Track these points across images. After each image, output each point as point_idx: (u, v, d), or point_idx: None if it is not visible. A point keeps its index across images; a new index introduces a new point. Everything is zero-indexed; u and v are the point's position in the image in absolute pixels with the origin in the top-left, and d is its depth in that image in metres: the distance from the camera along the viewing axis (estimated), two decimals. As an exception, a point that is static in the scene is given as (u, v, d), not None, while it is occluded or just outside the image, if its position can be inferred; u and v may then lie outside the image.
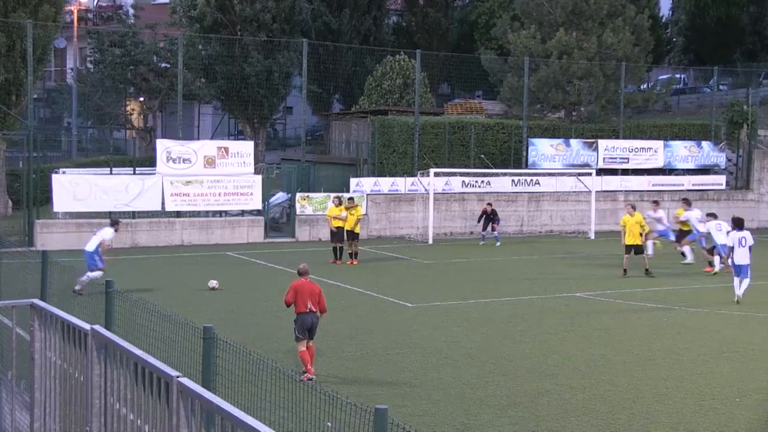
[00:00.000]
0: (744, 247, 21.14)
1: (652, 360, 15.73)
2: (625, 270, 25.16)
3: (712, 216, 26.08)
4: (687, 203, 27.56)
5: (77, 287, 18.28)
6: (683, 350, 16.56)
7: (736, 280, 21.36)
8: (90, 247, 20.43)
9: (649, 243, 27.43)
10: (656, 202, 30.45)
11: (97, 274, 19.91)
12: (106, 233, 20.87)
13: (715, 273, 25.70)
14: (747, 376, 14.89)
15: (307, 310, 13.31)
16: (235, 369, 10.14)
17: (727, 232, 22.51)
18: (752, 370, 15.26)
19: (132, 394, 6.79)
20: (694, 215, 27.34)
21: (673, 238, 28.65)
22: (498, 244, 32.41)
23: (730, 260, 21.96)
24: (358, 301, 21.04)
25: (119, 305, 11.69)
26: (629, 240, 25.33)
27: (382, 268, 26.71)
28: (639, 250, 25.42)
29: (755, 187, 42.18)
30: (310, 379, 12.97)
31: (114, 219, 22.60)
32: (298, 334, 13.35)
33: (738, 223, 21.73)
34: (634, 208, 26.14)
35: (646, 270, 25.25)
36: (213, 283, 21.56)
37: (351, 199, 28.34)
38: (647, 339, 17.48)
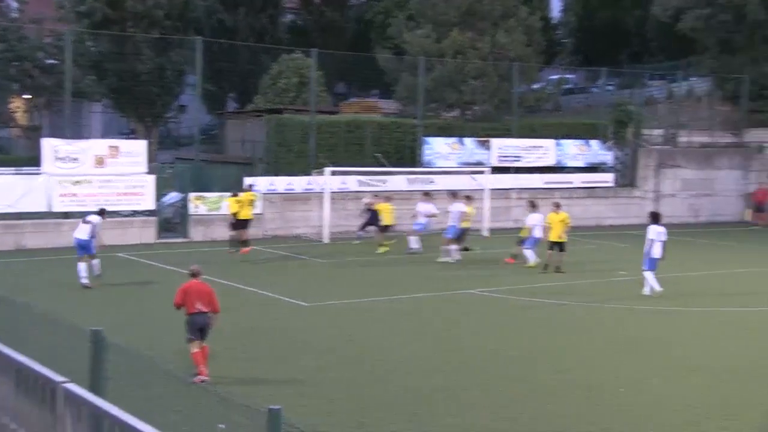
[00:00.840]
0: (661, 241, 21.63)
1: (544, 354, 15.96)
2: (546, 265, 25.57)
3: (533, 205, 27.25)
4: (532, 205, 27.39)
5: (97, 273, 21.45)
6: (576, 344, 16.82)
7: (651, 274, 21.83)
8: (83, 235, 21.84)
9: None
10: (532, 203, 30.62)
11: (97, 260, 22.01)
12: (98, 221, 22.24)
13: (532, 266, 26.39)
14: (634, 367, 15.17)
15: (197, 311, 13.21)
16: (125, 373, 9.91)
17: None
18: (638, 361, 15.68)
19: (15, 402, 6.50)
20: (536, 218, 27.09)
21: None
22: (357, 242, 31.99)
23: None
24: (253, 301, 20.75)
25: (1, 310, 11.31)
26: (553, 237, 25.63)
27: (277, 268, 26.28)
28: (561, 247, 25.74)
29: (641, 185, 42.85)
30: (204, 381, 12.77)
31: (101, 209, 23.83)
32: (189, 335, 13.22)
33: (655, 218, 22.00)
34: (558, 206, 26.34)
35: (557, 267, 25.56)
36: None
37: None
38: (541, 334, 17.72)
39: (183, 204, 32.94)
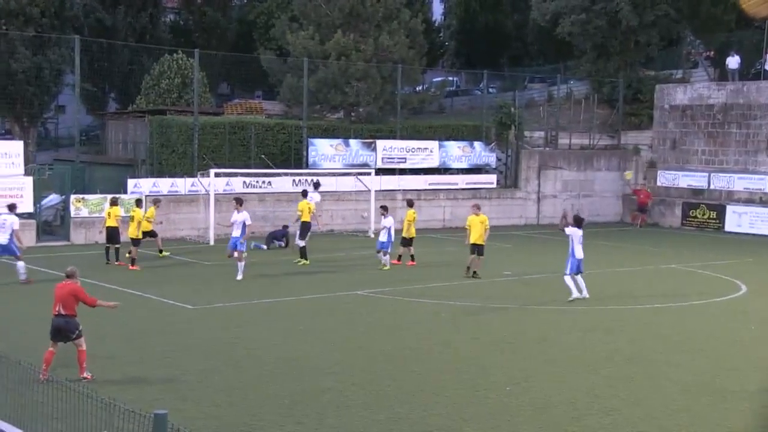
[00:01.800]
0: (576, 243, 21.42)
1: (431, 353, 16.11)
2: (468, 268, 25.27)
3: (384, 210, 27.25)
4: (383, 209, 27.05)
5: (23, 277, 21.37)
6: (459, 343, 16.99)
7: (571, 278, 21.59)
8: (3, 239, 22.00)
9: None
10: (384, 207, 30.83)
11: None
12: (15, 221, 22.48)
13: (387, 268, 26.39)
14: (516, 365, 15.53)
15: (56, 313, 13.17)
16: (2, 380, 9.55)
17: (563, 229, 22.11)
18: (522, 359, 16.03)
19: None
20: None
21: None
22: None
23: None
24: (136, 303, 20.38)
25: None
26: (473, 239, 25.39)
27: (162, 271, 25.87)
28: (480, 250, 25.38)
29: (523, 186, 43.55)
30: (86, 379, 12.94)
31: (11, 204, 23.72)
32: (50, 336, 13.33)
33: (578, 222, 21.88)
34: (479, 208, 26.36)
35: (474, 272, 25.25)
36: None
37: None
38: (426, 333, 17.82)
39: (63, 206, 32.32)
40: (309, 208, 28.26)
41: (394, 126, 42.08)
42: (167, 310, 19.76)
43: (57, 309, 13.10)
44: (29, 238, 30.52)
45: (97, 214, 31.67)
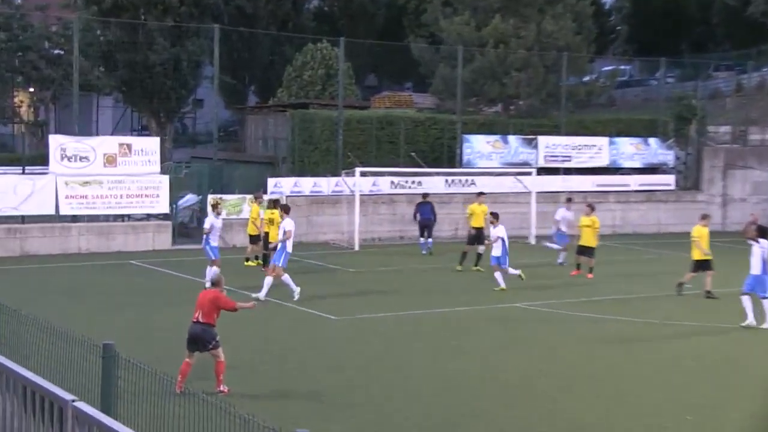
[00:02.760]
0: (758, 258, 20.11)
1: (594, 376, 15.79)
2: (681, 284, 24.60)
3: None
4: (494, 217, 26.00)
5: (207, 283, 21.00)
6: (629, 365, 16.64)
7: (748, 299, 20.28)
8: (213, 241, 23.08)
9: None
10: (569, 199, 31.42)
11: None
12: (215, 221, 23.50)
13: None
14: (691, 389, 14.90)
15: (195, 320, 13.62)
16: (138, 390, 9.92)
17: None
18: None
19: (21, 422, 6.52)
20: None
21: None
22: (424, 252, 32.02)
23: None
24: (278, 312, 20.69)
25: (5, 322, 11.30)
26: (583, 241, 26.29)
27: (303, 278, 26.41)
28: (591, 252, 26.24)
29: (705, 188, 42.50)
30: (222, 393, 13.29)
31: (214, 204, 24.89)
32: (187, 344, 13.73)
33: (763, 232, 20.38)
34: (592, 208, 26.68)
35: (708, 291, 24.29)
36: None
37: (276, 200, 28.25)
38: (589, 352, 17.58)
39: (200, 207, 32.97)
40: (482, 211, 28.61)
41: (557, 121, 41.45)
42: (310, 321, 19.94)
43: (196, 316, 13.55)
44: (164, 241, 31.94)
45: (235, 216, 32.20)
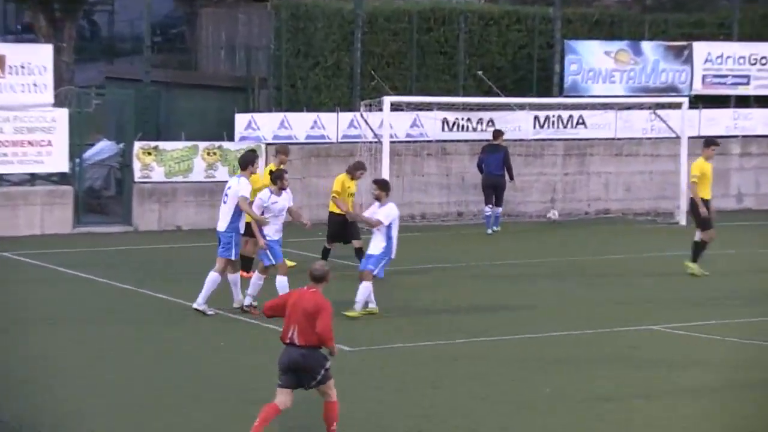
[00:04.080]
0: None
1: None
2: None
3: None
4: (380, 187, 22.16)
5: (246, 300, 20.44)
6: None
7: None
8: (223, 222, 21.17)
9: None
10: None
11: None
12: (243, 187, 21.08)
13: None
14: None
15: (288, 341, 12.82)
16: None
17: None
18: None
19: None
20: None
21: None
22: (490, 231, 30.16)
23: None
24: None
25: None
26: None
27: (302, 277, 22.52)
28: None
29: None
30: None
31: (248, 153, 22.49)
32: (279, 381, 12.90)
33: None
34: None
35: None
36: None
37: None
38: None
39: (121, 163, 30.76)
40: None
41: (727, 16, 36.96)
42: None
43: (290, 334, 12.78)
44: (61, 220, 29.49)
45: (181, 177, 30.09)
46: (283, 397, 12.74)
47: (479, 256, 27.60)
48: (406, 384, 16.66)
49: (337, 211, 23.84)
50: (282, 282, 20.13)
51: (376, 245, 20.06)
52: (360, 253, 22.98)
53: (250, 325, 19.72)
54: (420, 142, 32.36)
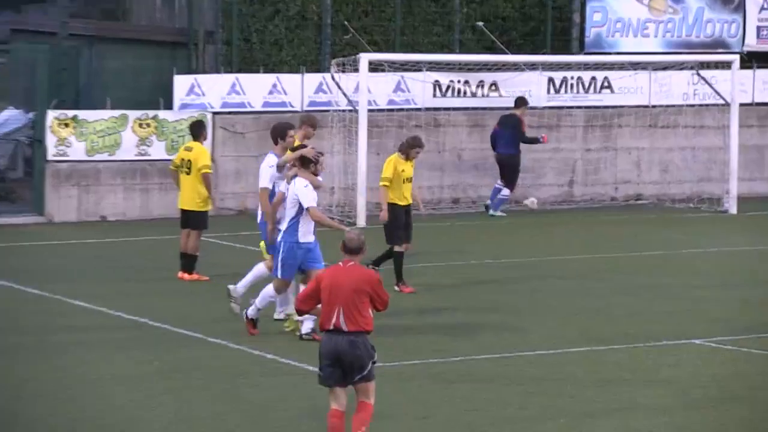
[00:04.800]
0: None
1: None
2: None
3: None
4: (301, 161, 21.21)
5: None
6: None
7: None
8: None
9: None
10: None
11: None
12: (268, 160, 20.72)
13: None
14: None
15: (333, 327, 12.19)
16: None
17: None
18: None
19: None
20: None
21: None
22: (492, 213, 29.89)
23: None
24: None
25: None
26: None
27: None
28: None
29: None
30: None
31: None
32: (321, 375, 12.47)
33: None
34: None
35: None
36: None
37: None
38: None
39: (31, 137, 29.95)
40: None
41: None
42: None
43: (332, 318, 12.23)
44: None
45: (107, 155, 29.15)
46: (338, 397, 12.31)
47: (479, 252, 25.92)
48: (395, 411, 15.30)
49: (397, 201, 21.63)
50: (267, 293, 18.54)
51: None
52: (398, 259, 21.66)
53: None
54: (406, 110, 30.74)
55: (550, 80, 31.69)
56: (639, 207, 32.92)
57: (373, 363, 12.38)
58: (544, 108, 31.41)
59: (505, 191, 29.90)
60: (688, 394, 16.45)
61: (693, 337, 19.04)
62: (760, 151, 33.26)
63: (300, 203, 17.70)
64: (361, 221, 27.98)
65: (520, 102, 29.97)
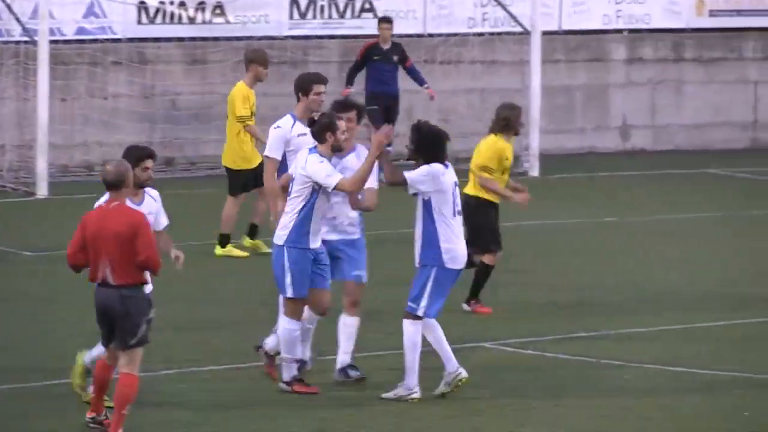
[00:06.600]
0: None
1: None
2: None
3: None
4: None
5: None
6: None
7: None
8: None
9: None
10: None
11: None
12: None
13: None
14: None
15: (100, 280, 11.63)
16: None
17: None
18: None
19: None
20: None
21: None
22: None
23: None
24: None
25: None
26: None
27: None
28: None
29: None
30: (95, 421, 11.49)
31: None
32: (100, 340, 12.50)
33: None
34: None
35: None
36: None
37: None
38: None
39: None
40: None
41: None
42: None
43: (99, 270, 11.54)
44: None
45: None
46: (111, 357, 11.73)
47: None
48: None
49: (487, 196, 17.75)
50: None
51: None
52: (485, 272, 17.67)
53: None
54: (101, 41, 27.94)
55: (294, 1, 28.77)
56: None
57: (148, 322, 11.57)
58: (287, 38, 28.47)
59: (389, 149, 27.64)
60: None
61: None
62: (569, 93, 29.95)
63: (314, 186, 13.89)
64: (43, 190, 25.63)
65: (387, 21, 26.62)
